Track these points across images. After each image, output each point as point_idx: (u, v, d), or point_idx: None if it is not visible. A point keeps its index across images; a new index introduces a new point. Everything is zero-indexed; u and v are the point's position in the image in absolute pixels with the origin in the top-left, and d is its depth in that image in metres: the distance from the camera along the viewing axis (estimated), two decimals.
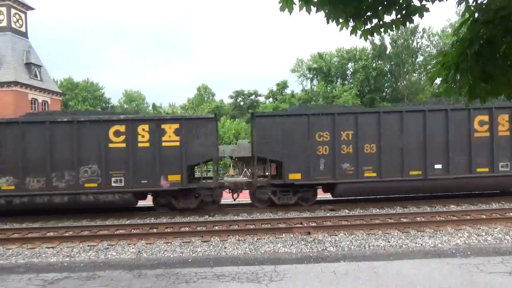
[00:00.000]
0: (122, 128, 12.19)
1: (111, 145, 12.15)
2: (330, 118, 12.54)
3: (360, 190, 12.86)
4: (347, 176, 12.53)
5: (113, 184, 12.14)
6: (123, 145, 12.17)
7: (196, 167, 15.32)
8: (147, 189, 12.44)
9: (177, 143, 12.26)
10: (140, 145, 12.22)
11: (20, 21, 33.27)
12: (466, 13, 3.57)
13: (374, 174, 12.55)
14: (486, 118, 12.72)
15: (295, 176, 12.49)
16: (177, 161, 12.22)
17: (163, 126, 12.29)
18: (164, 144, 12.25)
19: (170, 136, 12.28)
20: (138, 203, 13.31)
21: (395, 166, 12.57)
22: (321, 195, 13.95)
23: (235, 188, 13.31)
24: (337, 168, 12.46)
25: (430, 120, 12.64)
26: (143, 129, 12.24)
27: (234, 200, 13.77)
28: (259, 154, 12.79)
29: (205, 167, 16.15)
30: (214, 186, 12.68)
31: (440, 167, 12.64)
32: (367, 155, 12.56)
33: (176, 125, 12.29)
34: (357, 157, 12.51)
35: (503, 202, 12.98)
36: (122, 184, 12.16)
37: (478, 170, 12.68)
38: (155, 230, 10.45)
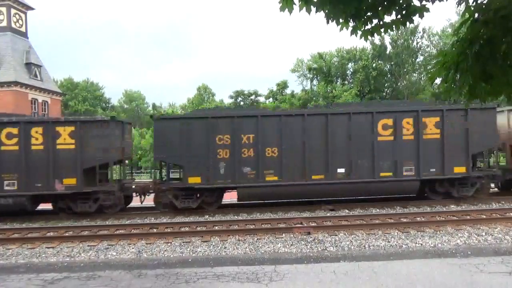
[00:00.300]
0: (14, 130, 11.94)
1: (3, 147, 11.94)
2: (230, 121, 12.34)
3: (262, 194, 12.65)
4: (248, 180, 12.32)
5: (5, 188, 11.94)
6: (16, 147, 11.94)
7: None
8: (42, 193, 12.14)
9: (73, 146, 12.05)
10: (33, 147, 12.00)
11: (20, 21, 33.25)
12: (466, 13, 3.57)
13: (276, 178, 12.34)
14: (390, 122, 12.52)
15: (194, 180, 12.26)
16: (72, 164, 12.03)
17: (57, 128, 12.07)
18: (58, 147, 12.04)
19: (65, 139, 12.07)
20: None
21: (297, 170, 12.38)
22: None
23: (142, 191, 13.06)
24: (238, 172, 12.27)
25: (332, 124, 12.42)
26: (37, 132, 12.01)
27: (141, 203, 13.57)
28: (159, 158, 12.68)
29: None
30: (113, 189, 12.42)
31: (343, 171, 12.46)
32: (268, 158, 12.34)
33: (72, 128, 12.08)
34: (258, 160, 12.29)
35: (503, 202, 12.96)
36: (15, 188, 11.94)
37: (382, 174, 12.49)
38: (155, 230, 10.45)
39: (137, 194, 13.17)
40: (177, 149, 12.25)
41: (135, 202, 13.80)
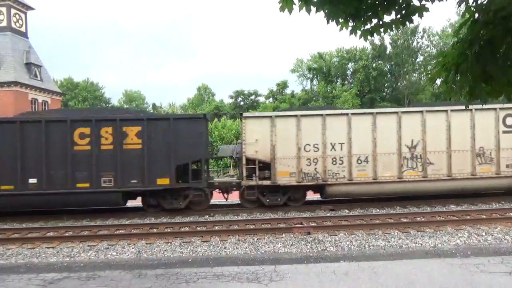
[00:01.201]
0: None
1: None
2: None
3: None
4: None
5: None
6: None
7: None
8: None
9: None
10: None
11: (20, 21, 33.25)
12: (466, 14, 3.57)
13: None
14: (87, 130, 12.14)
15: None
16: None
17: None
18: None
19: None
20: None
21: None
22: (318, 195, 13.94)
23: None
24: None
25: (24, 131, 12.03)
26: None
27: None
28: None
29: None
30: None
31: (36, 181, 12.01)
32: None
33: None
34: None
35: (503, 202, 12.98)
36: None
37: (79, 185, 12.08)
38: (155, 230, 10.45)
39: None
40: None
41: (137, 202, 13.81)
